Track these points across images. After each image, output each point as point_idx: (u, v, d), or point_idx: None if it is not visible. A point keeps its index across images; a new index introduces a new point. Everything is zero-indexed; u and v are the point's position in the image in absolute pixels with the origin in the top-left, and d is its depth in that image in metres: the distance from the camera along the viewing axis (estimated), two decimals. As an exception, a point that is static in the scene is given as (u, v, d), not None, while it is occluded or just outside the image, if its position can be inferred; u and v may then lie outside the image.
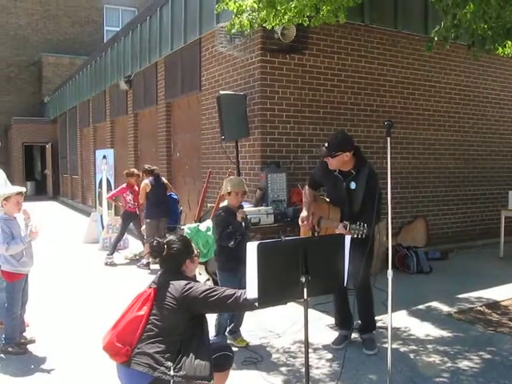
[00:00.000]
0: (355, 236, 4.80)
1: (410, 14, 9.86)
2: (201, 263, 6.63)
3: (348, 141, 5.33)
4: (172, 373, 3.31)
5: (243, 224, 5.46)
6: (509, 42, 7.03)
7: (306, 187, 5.67)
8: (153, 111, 13.47)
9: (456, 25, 6.20)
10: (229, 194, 5.48)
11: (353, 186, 5.25)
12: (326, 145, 5.24)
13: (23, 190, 5.52)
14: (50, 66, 29.08)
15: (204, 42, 10.30)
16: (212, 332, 5.38)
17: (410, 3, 9.82)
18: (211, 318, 5.39)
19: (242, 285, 4.93)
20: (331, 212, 5.34)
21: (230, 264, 5.44)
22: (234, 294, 3.49)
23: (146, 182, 9.71)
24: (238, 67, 9.13)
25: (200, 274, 7.02)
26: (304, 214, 5.39)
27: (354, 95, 9.52)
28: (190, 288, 3.50)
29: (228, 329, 5.64)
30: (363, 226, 4.81)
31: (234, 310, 4.95)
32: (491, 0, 5.40)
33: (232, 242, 5.35)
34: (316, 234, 5.33)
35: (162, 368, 3.31)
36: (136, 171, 10.71)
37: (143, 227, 10.01)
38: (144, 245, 10.01)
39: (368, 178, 5.18)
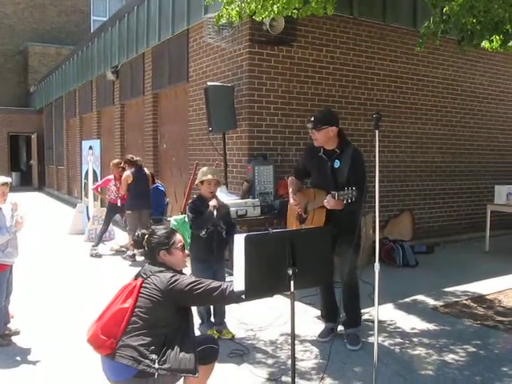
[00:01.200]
0: (344, 202, 4.80)
1: (399, 8, 9.85)
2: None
3: (333, 116, 5.44)
4: (157, 366, 3.29)
5: (215, 213, 5.44)
6: (496, 37, 7.03)
7: (291, 177, 5.69)
8: (140, 102, 13.38)
9: (445, 19, 6.19)
10: (201, 183, 5.55)
11: (337, 164, 5.24)
12: (312, 118, 5.27)
13: (8, 180, 5.45)
14: (36, 56, 28.82)
15: (192, 33, 10.23)
16: (197, 322, 5.39)
17: (399, -4, 9.83)
18: (195, 310, 5.38)
19: (216, 277, 4.93)
20: (317, 195, 5.32)
21: (200, 254, 5.50)
22: (220, 286, 3.48)
23: (128, 173, 9.60)
24: (225, 58, 9.08)
25: (186, 265, 6.99)
26: (292, 201, 5.41)
27: (342, 88, 9.50)
28: (176, 281, 3.48)
29: (213, 322, 5.65)
30: (351, 189, 4.76)
31: (219, 303, 4.95)
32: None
33: (203, 232, 5.42)
34: (303, 226, 5.33)
35: (147, 361, 3.29)
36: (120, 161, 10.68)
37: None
38: (128, 236, 9.94)
39: (353, 157, 5.20)
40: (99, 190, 11.02)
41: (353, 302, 5.43)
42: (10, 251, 5.32)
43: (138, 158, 9.88)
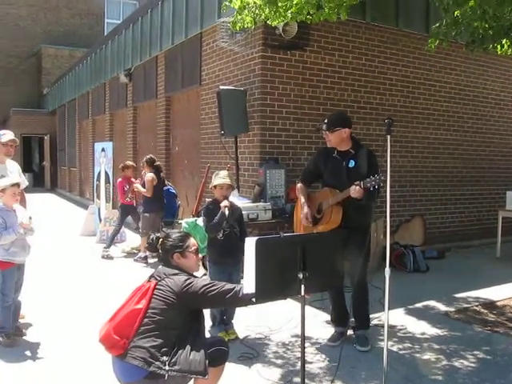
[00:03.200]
0: (371, 189, 4.78)
1: (412, 13, 9.85)
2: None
3: (347, 118, 5.55)
4: (167, 367, 3.30)
5: (226, 212, 5.43)
6: (507, 41, 7.02)
7: (299, 184, 5.70)
8: (152, 105, 13.45)
9: (456, 22, 6.18)
10: (215, 187, 5.61)
11: (351, 164, 5.28)
12: (326, 121, 5.38)
13: (18, 180, 5.50)
14: (50, 58, 29.02)
15: (205, 37, 10.28)
16: (208, 323, 5.41)
17: (411, 2, 9.81)
18: (207, 312, 5.40)
19: (231, 280, 4.98)
20: (333, 194, 5.32)
21: (216, 257, 5.57)
22: (234, 288, 3.51)
23: (153, 175, 9.55)
24: (238, 62, 9.12)
25: (199, 269, 7.03)
26: (305, 210, 5.41)
27: (354, 93, 9.51)
28: (190, 283, 3.52)
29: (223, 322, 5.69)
30: (377, 175, 4.76)
31: (232, 305, 5.00)
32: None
33: (220, 234, 5.49)
34: (317, 227, 5.34)
35: (157, 363, 3.31)
36: (131, 163, 10.78)
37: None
38: (141, 238, 9.95)
39: (368, 155, 5.26)
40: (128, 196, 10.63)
41: (362, 303, 5.47)
42: (14, 251, 5.35)
43: (159, 163, 9.92)
